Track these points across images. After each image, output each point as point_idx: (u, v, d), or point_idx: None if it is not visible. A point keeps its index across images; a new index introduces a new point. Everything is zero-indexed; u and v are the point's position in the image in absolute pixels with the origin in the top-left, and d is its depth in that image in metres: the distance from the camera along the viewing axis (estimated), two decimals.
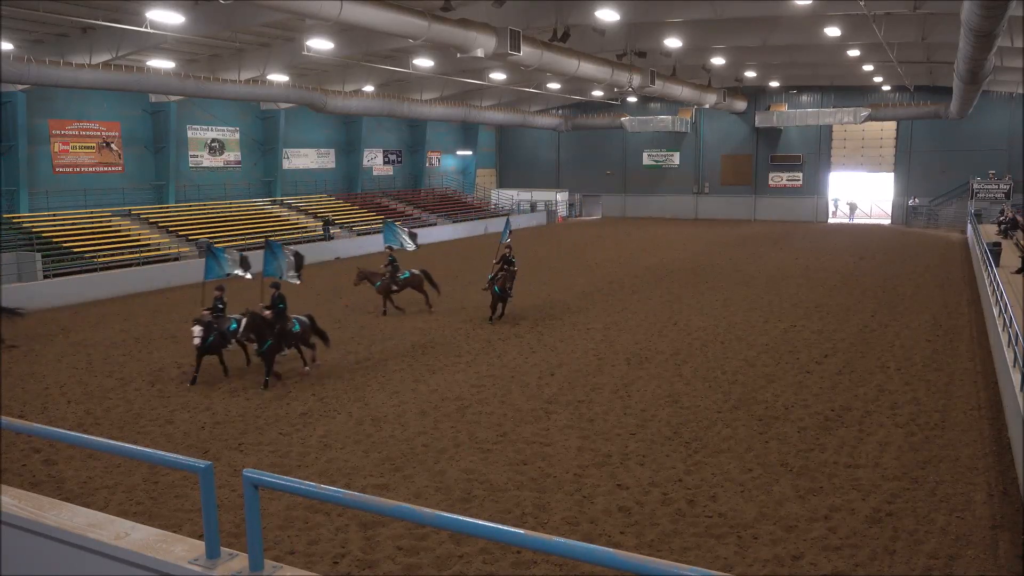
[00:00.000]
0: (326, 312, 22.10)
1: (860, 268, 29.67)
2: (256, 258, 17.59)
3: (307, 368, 15.80)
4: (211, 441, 11.99)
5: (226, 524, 8.57)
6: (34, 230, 27.83)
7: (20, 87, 27.60)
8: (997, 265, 21.93)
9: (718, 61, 36.64)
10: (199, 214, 34.50)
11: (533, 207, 54.18)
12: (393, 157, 50.02)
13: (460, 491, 9.95)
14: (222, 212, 35.61)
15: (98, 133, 32.28)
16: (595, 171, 56.80)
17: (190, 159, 36.57)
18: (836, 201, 51.60)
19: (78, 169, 31.60)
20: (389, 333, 19.46)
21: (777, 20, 28.14)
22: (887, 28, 26.11)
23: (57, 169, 30.82)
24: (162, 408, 13.68)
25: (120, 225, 30.78)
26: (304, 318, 15.80)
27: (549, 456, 11.10)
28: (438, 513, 2.91)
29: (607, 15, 24.63)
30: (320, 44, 27.33)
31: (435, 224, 44.42)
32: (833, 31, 27.43)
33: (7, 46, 24.43)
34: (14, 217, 28.18)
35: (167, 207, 34.07)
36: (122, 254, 28.46)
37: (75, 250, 27.55)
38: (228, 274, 16.78)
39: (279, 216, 37.94)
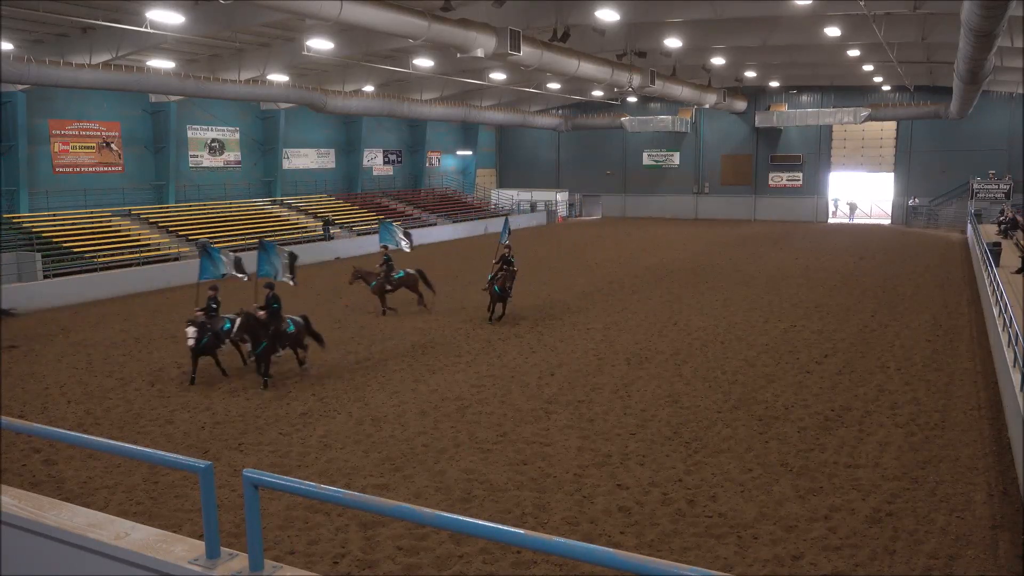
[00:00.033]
0: (326, 312, 22.12)
1: (860, 268, 29.67)
2: (253, 258, 17.42)
3: (306, 367, 15.75)
4: (211, 441, 11.99)
5: (226, 524, 8.57)
6: (34, 230, 27.83)
7: (20, 87, 27.60)
8: (997, 265, 21.93)
9: (718, 61, 36.64)
10: (199, 214, 34.50)
11: (533, 207, 54.18)
12: (393, 157, 50.02)
13: (460, 491, 9.95)
14: (222, 212, 35.60)
15: (98, 133, 32.28)
16: (595, 171, 56.80)
17: (190, 159, 36.57)
18: (836, 201, 51.60)
19: (78, 169, 31.60)
20: (389, 333, 19.46)
21: (777, 20, 28.14)
22: (887, 28, 26.11)
23: (57, 169, 30.82)
24: (162, 408, 13.68)
25: (120, 225, 30.78)
26: (299, 319, 15.71)
27: (549, 456, 11.10)
28: (438, 513, 2.91)
29: (607, 15, 24.63)
30: (320, 44, 27.34)
31: (435, 224, 44.43)
32: (833, 31, 27.43)
33: (7, 46, 24.43)
34: (14, 217, 28.18)
35: (167, 207, 34.07)
36: (122, 254, 28.46)
37: (75, 250, 27.55)
38: (223, 275, 16.64)
39: (279, 216, 37.94)
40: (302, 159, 42.88)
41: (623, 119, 52.84)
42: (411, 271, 22.18)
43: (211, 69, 31.11)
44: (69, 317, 22.48)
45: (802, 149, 51.66)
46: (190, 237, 31.52)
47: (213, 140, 37.68)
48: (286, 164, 41.29)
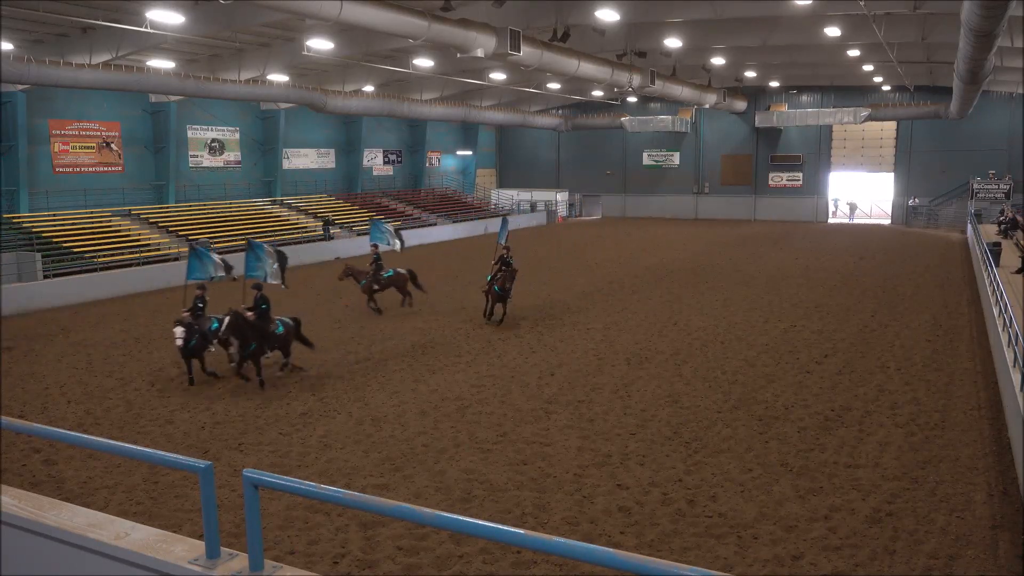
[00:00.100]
0: (326, 312, 22.13)
1: (860, 268, 29.67)
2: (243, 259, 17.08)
3: (283, 373, 15.33)
4: (211, 441, 11.99)
5: (226, 524, 8.57)
6: (34, 230, 27.84)
7: (20, 87, 27.60)
8: (997, 265, 21.93)
9: (718, 61, 36.64)
10: (199, 214, 34.50)
11: (533, 207, 54.18)
12: (393, 157, 50.02)
13: (460, 491, 9.95)
14: (222, 212, 35.61)
15: (98, 133, 32.28)
16: (595, 171, 56.80)
17: (190, 159, 36.57)
18: (836, 201, 51.60)
19: (78, 169, 31.60)
20: (389, 333, 19.46)
21: (777, 20, 28.14)
22: (887, 28, 26.11)
23: (57, 169, 30.82)
24: (162, 408, 13.68)
25: (120, 225, 30.79)
26: (289, 320, 15.49)
27: (549, 456, 11.10)
28: (438, 513, 2.91)
29: (607, 15, 24.63)
30: (320, 44, 27.34)
31: (435, 224, 44.43)
32: (833, 31, 27.43)
33: (7, 46, 24.43)
34: (14, 217, 28.18)
35: (167, 207, 34.07)
36: (122, 254, 28.46)
37: (75, 250, 27.55)
38: (212, 278, 16.35)
39: (279, 216, 37.94)
40: (302, 159, 42.88)
41: (623, 119, 52.84)
42: (401, 271, 22.08)
43: (211, 69, 31.11)
44: (69, 317, 22.48)
45: (802, 149, 51.66)
46: (190, 237, 31.51)
47: (213, 140, 37.68)
48: (286, 164, 41.29)
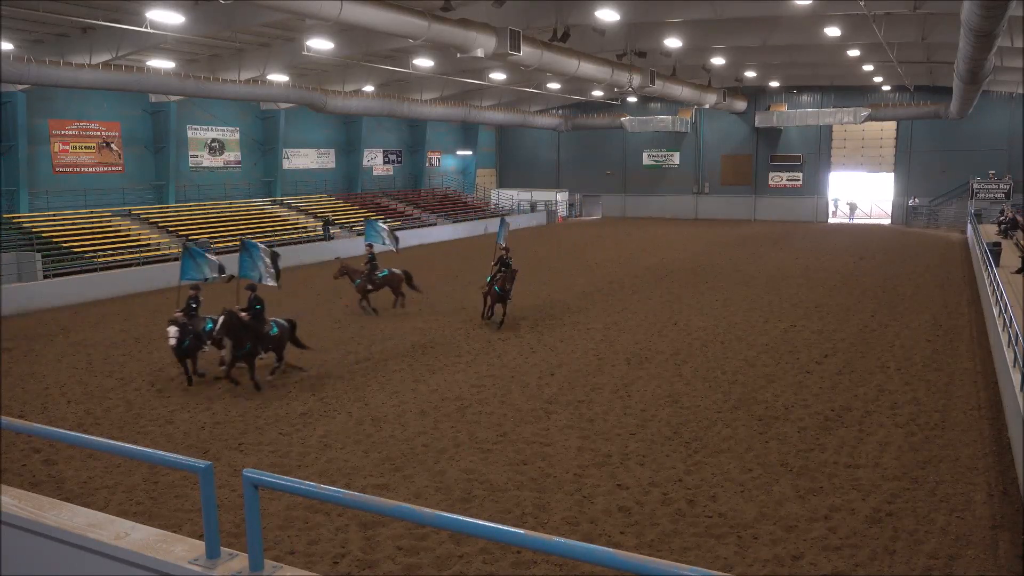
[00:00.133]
0: (326, 312, 22.14)
1: (860, 268, 29.67)
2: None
3: (275, 375, 15.20)
4: (211, 441, 11.99)
5: (226, 524, 8.57)
6: (34, 230, 27.84)
7: (20, 87, 27.60)
8: (997, 265, 21.93)
9: (718, 61, 36.64)
10: (199, 214, 34.51)
11: (533, 207, 54.19)
12: (393, 157, 50.03)
13: (460, 491, 9.94)
14: (222, 212, 35.61)
15: (98, 133, 32.28)
16: (595, 171, 56.81)
17: (190, 159, 36.58)
18: (836, 201, 51.61)
19: (78, 169, 31.60)
20: (389, 333, 19.45)
21: (777, 20, 28.14)
22: (887, 28, 26.11)
23: (57, 169, 30.82)
24: (162, 408, 13.68)
25: (120, 225, 30.79)
26: (284, 322, 15.31)
27: (549, 456, 11.10)
28: (438, 513, 2.91)
29: (607, 15, 24.63)
30: (320, 44, 27.34)
31: (435, 224, 44.43)
32: (833, 31, 27.43)
33: (7, 46, 24.43)
34: (14, 217, 28.19)
35: (167, 207, 34.07)
36: (122, 254, 28.46)
37: (75, 250, 27.55)
38: (206, 279, 16.17)
39: (279, 216, 37.94)
40: (302, 159, 42.88)
41: (623, 119, 52.84)
42: (396, 271, 22.03)
43: (211, 69, 31.11)
44: (69, 317, 22.49)
45: (802, 149, 51.67)
46: (190, 237, 31.50)
47: (213, 140, 37.69)
48: (286, 164, 41.29)
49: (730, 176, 53.79)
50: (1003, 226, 32.08)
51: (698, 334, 18.85)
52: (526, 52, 23.91)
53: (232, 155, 38.79)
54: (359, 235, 37.88)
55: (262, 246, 15.71)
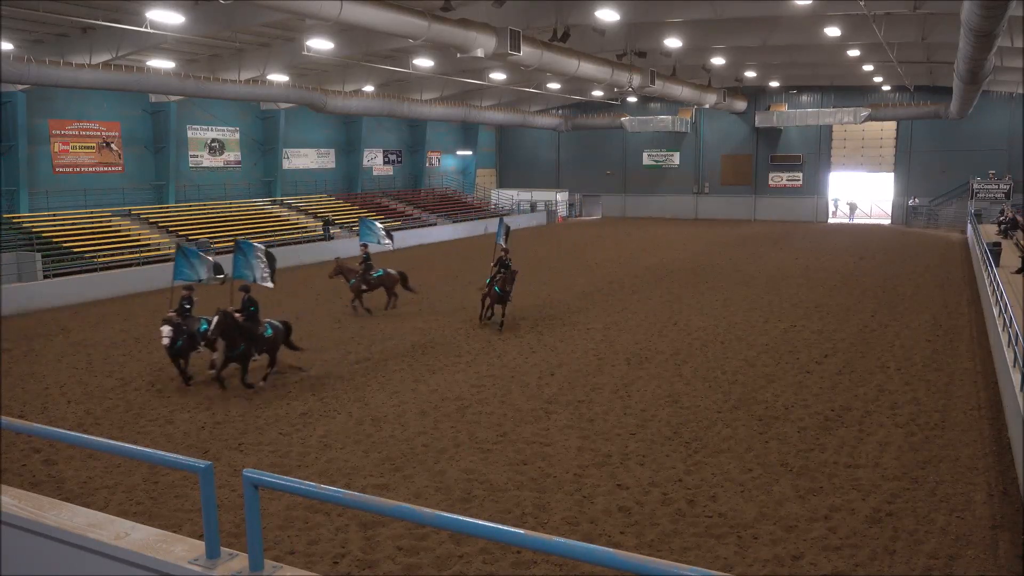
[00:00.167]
0: (326, 312, 22.14)
1: (860, 268, 29.67)
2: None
3: (266, 383, 14.99)
4: (211, 441, 11.99)
5: (226, 524, 8.57)
6: (34, 230, 27.84)
7: (20, 87, 27.60)
8: (997, 265, 21.93)
9: (718, 61, 36.64)
10: (199, 214, 34.51)
11: (533, 207, 54.19)
12: (393, 157, 50.03)
13: (460, 491, 9.94)
14: (222, 212, 35.61)
15: (98, 133, 32.29)
16: (595, 171, 56.81)
17: (190, 159, 36.58)
18: (836, 201, 51.61)
19: (78, 169, 31.60)
20: (389, 333, 19.46)
21: (777, 20, 28.15)
22: (887, 28, 26.11)
23: (57, 169, 30.82)
24: (162, 408, 13.68)
25: (120, 225, 30.79)
26: (279, 324, 15.14)
27: (549, 456, 11.10)
28: (438, 513, 2.91)
29: (607, 15, 24.63)
30: (320, 44, 27.34)
31: (435, 224, 44.42)
32: (833, 31, 27.44)
33: (7, 46, 24.43)
34: (14, 217, 28.19)
35: (167, 207, 34.08)
36: (122, 254, 28.46)
37: (75, 250, 27.55)
38: (200, 280, 16.03)
39: (279, 216, 37.94)
40: (302, 159, 42.89)
41: (623, 119, 52.84)
42: (392, 271, 21.96)
43: (211, 69, 31.11)
44: (69, 317, 22.48)
45: (802, 149, 51.67)
46: (190, 237, 31.52)
47: (213, 140, 37.69)
48: (286, 164, 41.29)
49: (730, 176, 53.79)
50: (1003, 226, 32.08)
51: (698, 334, 18.85)
52: (526, 52, 23.91)
53: (232, 155, 38.79)
54: (359, 235, 37.97)
55: (257, 246, 15.59)
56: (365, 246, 22.21)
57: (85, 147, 31.84)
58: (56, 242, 27.55)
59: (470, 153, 55.84)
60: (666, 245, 38.32)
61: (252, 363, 14.71)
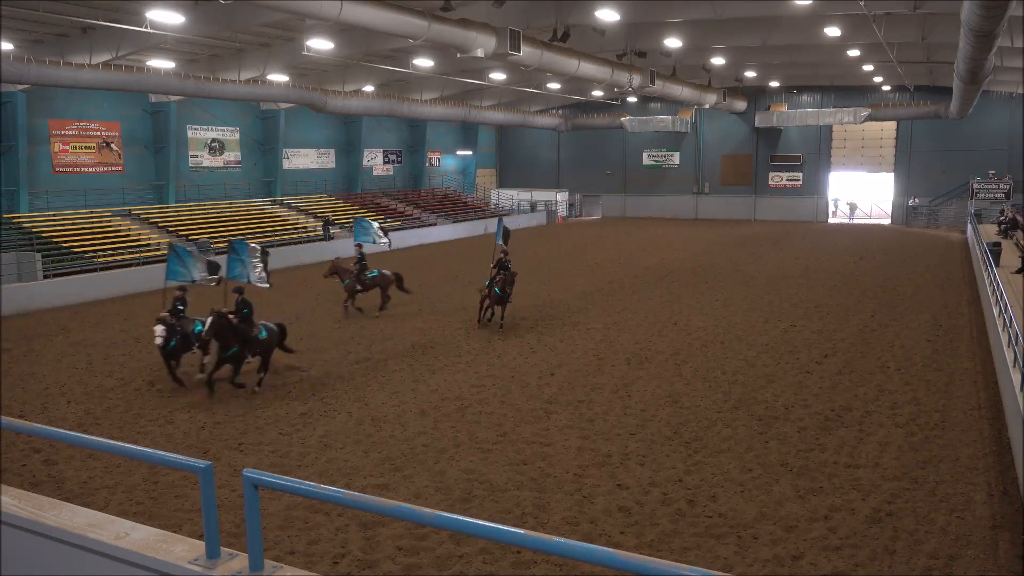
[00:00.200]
0: (326, 312, 22.14)
1: (860, 268, 29.67)
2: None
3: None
4: (211, 441, 11.99)
5: (226, 524, 8.57)
6: (34, 230, 27.84)
7: (20, 87, 27.61)
8: (997, 265, 21.93)
9: (718, 61, 36.64)
10: (199, 214, 34.51)
11: (533, 207, 54.19)
12: (393, 157, 50.03)
13: (460, 491, 9.95)
14: (222, 212, 35.61)
15: (98, 133, 32.29)
16: (595, 171, 56.81)
17: (190, 159, 36.58)
18: (836, 201, 51.61)
19: (78, 169, 31.60)
20: (389, 333, 19.45)
21: (777, 20, 28.15)
22: (887, 28, 26.11)
23: (57, 169, 30.82)
24: (162, 408, 13.68)
25: (120, 225, 30.79)
26: (273, 326, 14.98)
27: (549, 456, 11.10)
28: (438, 513, 2.91)
29: (607, 15, 24.63)
30: (320, 44, 27.34)
31: (435, 224, 44.42)
32: (833, 31, 27.44)
33: (7, 46, 24.43)
34: (14, 217, 28.19)
35: (167, 207, 34.07)
36: (122, 254, 28.46)
37: (75, 250, 27.56)
38: (193, 280, 15.93)
39: (279, 216, 37.95)
40: (302, 159, 42.88)
41: (623, 119, 52.84)
42: (387, 272, 21.83)
43: (211, 69, 31.11)
44: (69, 317, 22.48)
45: (802, 149, 51.67)
46: (190, 237, 31.52)
47: (213, 140, 37.69)
48: (286, 164, 41.29)
49: (730, 176, 53.79)
50: (1003, 226, 32.08)
51: (698, 334, 18.85)
52: (526, 52, 23.91)
53: (232, 155, 38.79)
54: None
55: (251, 245, 15.46)
56: (360, 246, 22.15)
57: (85, 147, 31.84)
58: (56, 242, 27.55)
59: (470, 153, 55.84)
60: (666, 245, 38.32)
61: (245, 365, 14.58)
